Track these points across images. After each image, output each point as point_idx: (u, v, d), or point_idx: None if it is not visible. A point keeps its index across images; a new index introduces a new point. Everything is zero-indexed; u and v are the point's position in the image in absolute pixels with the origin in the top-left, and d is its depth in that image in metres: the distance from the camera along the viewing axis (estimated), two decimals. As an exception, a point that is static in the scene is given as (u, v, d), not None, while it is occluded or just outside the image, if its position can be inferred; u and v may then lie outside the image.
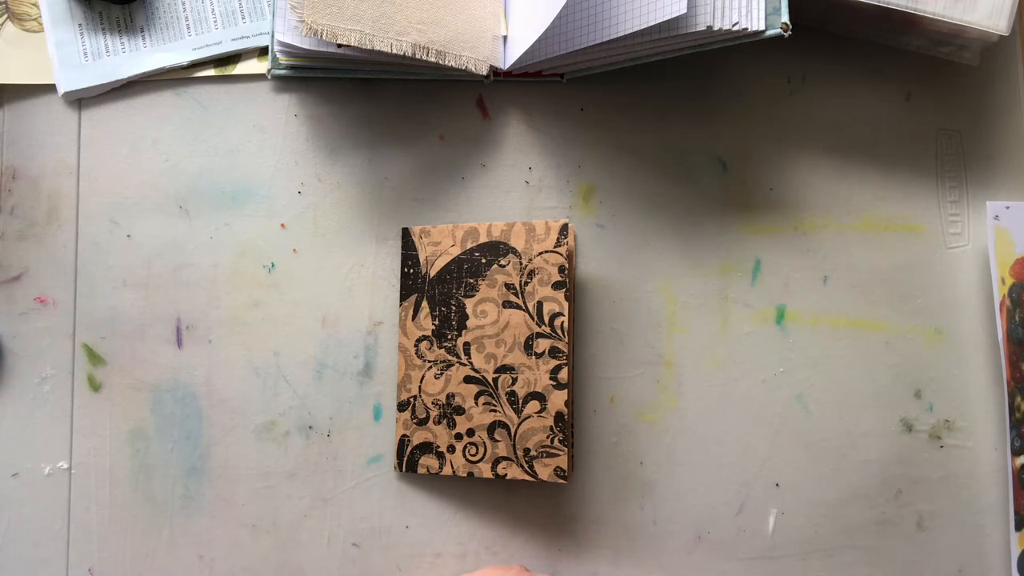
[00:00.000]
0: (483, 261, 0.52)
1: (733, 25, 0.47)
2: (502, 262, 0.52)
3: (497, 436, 0.51)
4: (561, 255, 0.51)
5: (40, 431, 0.55)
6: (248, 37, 0.56)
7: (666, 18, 0.46)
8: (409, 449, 0.53)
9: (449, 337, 0.53)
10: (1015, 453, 0.53)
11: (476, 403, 0.52)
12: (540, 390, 0.50)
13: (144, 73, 0.56)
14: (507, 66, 0.54)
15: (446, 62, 0.52)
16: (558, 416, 0.50)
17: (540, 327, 0.51)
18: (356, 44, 0.49)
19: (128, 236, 0.56)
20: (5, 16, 0.56)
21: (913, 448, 0.54)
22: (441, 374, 0.53)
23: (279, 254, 0.56)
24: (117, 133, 0.56)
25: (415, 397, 0.53)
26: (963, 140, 0.57)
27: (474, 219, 0.56)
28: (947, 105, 0.57)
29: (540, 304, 0.51)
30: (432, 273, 0.54)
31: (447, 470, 0.52)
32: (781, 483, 0.54)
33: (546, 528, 0.54)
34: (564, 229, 0.51)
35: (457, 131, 0.56)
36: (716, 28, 0.47)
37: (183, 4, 0.56)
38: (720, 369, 0.55)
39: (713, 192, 0.56)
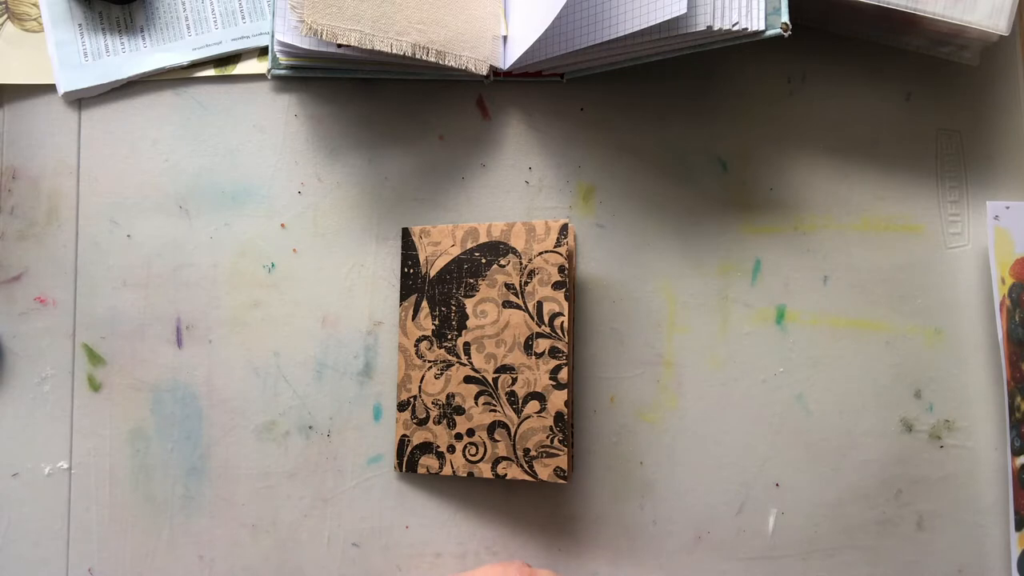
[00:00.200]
0: (483, 261, 0.52)
1: (733, 25, 0.47)
2: (502, 262, 0.52)
3: (497, 436, 0.51)
4: (561, 255, 0.51)
5: (40, 431, 0.55)
6: (248, 37, 0.56)
7: (666, 18, 0.46)
8: (409, 449, 0.53)
9: (449, 337, 0.53)
10: (1015, 453, 0.53)
11: (476, 403, 0.52)
12: (540, 390, 0.50)
13: (144, 73, 0.56)
14: (507, 66, 0.54)
15: (446, 62, 0.52)
16: (558, 416, 0.50)
17: (540, 327, 0.51)
18: (356, 44, 0.49)
19: (128, 236, 0.56)
20: (5, 16, 0.56)
21: (913, 448, 0.54)
22: (441, 374, 0.53)
23: (279, 254, 0.56)
24: (117, 133, 0.56)
25: (415, 397, 0.53)
26: (963, 140, 0.57)
27: (474, 219, 0.56)
28: (947, 105, 0.57)
29: (540, 304, 0.51)
30: (432, 273, 0.54)
31: (447, 470, 0.52)
32: (781, 483, 0.54)
33: (546, 528, 0.54)
34: (564, 229, 0.51)
35: (457, 131, 0.56)
36: (716, 28, 0.47)
37: (183, 4, 0.56)
38: (720, 369, 0.55)
39: (713, 192, 0.56)
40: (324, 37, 0.49)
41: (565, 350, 0.50)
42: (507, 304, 0.52)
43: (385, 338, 0.55)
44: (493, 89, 0.57)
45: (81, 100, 0.56)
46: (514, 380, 0.51)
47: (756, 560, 0.54)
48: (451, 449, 0.52)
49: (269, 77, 0.56)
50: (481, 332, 0.52)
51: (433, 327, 0.53)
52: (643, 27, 0.47)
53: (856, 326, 0.55)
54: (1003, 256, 0.54)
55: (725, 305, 0.55)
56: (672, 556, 0.54)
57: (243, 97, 0.56)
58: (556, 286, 0.51)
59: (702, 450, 0.55)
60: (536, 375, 0.51)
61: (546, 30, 0.49)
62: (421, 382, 0.53)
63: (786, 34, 0.48)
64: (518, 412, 0.51)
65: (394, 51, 0.50)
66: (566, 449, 0.50)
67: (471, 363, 0.52)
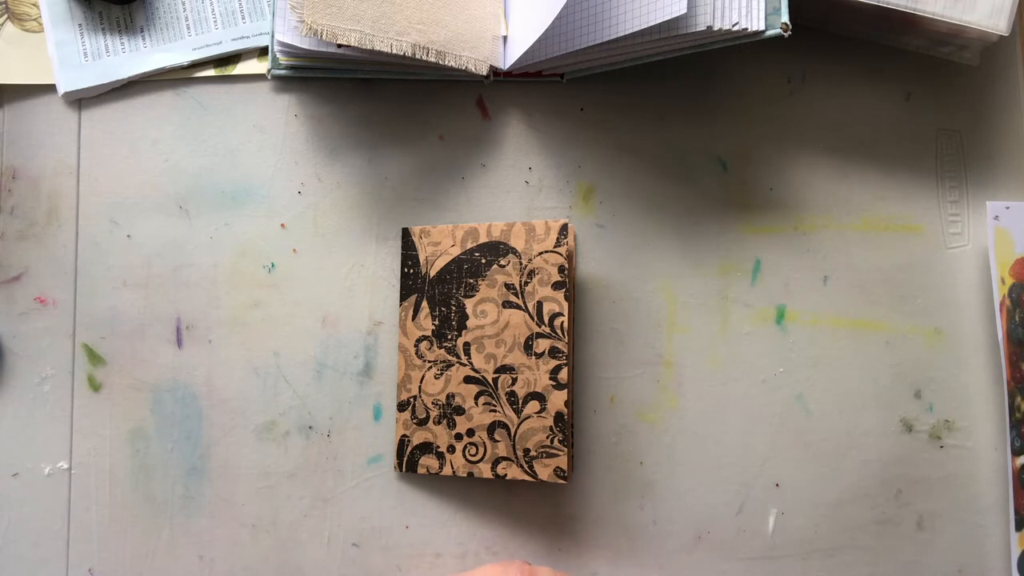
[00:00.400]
0: (483, 261, 0.52)
1: (733, 25, 0.47)
2: (502, 262, 0.52)
3: (497, 436, 0.51)
4: (561, 255, 0.51)
5: (40, 431, 0.55)
6: (248, 37, 0.56)
7: (666, 18, 0.46)
8: (409, 449, 0.53)
9: (449, 337, 0.53)
10: (1015, 453, 0.53)
11: (476, 403, 0.52)
12: (540, 390, 0.50)
13: (144, 73, 0.56)
14: (507, 66, 0.54)
15: (446, 62, 0.52)
16: (558, 416, 0.50)
17: (540, 327, 0.51)
18: (356, 44, 0.49)
19: (128, 236, 0.56)
20: (5, 16, 0.56)
21: (913, 448, 0.54)
22: (441, 374, 0.53)
23: (279, 254, 0.56)
24: (117, 133, 0.56)
25: (415, 397, 0.53)
26: (963, 140, 0.57)
27: (474, 219, 0.56)
28: (947, 105, 0.57)
29: (540, 304, 0.51)
30: (432, 273, 0.54)
31: (447, 470, 0.52)
32: (781, 483, 0.54)
33: (546, 528, 0.54)
34: (564, 229, 0.51)
35: (457, 131, 0.56)
36: (716, 28, 0.47)
37: (183, 4, 0.56)
38: (720, 369, 0.55)
39: (713, 192, 0.56)
40: (324, 37, 0.49)
41: (565, 350, 0.50)
42: (507, 304, 0.52)
43: (385, 338, 0.55)
44: (493, 89, 0.57)
45: (81, 100, 0.56)
46: (514, 380, 0.51)
47: (756, 560, 0.54)
48: (451, 449, 0.52)
49: (269, 77, 0.56)
50: (481, 332, 0.52)
51: (433, 327, 0.53)
52: (643, 27, 0.47)
53: (856, 326, 0.55)
54: (1003, 256, 0.54)
55: (725, 305, 0.55)
56: (672, 556, 0.54)
57: (243, 97, 0.56)
58: (556, 286, 0.51)
59: (702, 450, 0.55)
60: (536, 375, 0.51)
61: (546, 30, 0.49)
62: (421, 382, 0.53)
63: (786, 34, 0.48)
64: (518, 412, 0.51)
65: (394, 51, 0.50)
66: (566, 449, 0.50)
67: (471, 363, 0.52)
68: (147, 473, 0.54)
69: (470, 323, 0.52)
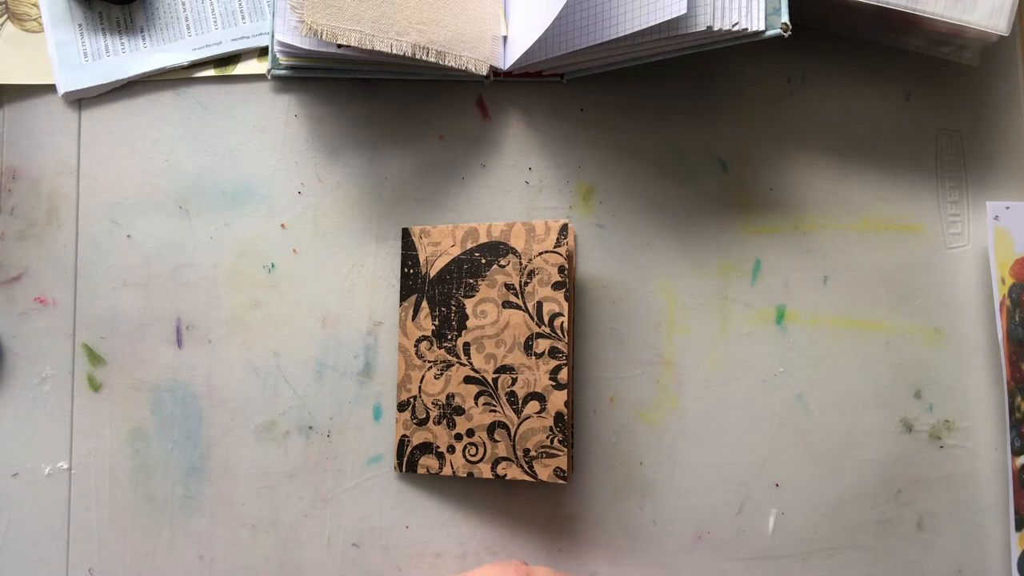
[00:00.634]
0: (483, 261, 0.52)
1: (733, 25, 0.47)
2: (502, 262, 0.52)
3: (497, 436, 0.51)
4: (561, 255, 0.51)
5: (40, 431, 0.55)
6: (248, 37, 0.56)
7: (666, 18, 0.46)
8: (409, 449, 0.53)
9: (449, 337, 0.53)
10: (1015, 453, 0.53)
11: (476, 403, 0.52)
12: (540, 390, 0.50)
13: (144, 73, 0.56)
14: (507, 66, 0.54)
15: (446, 62, 0.52)
16: (558, 416, 0.50)
17: (540, 327, 0.51)
18: (356, 44, 0.49)
19: (128, 236, 0.56)
20: (5, 16, 0.56)
21: (913, 448, 0.54)
22: (441, 374, 0.53)
23: (279, 254, 0.56)
24: (117, 133, 0.56)
25: (415, 397, 0.53)
26: (963, 140, 0.57)
27: (474, 219, 0.56)
28: (947, 105, 0.57)
29: (540, 304, 0.51)
30: (432, 273, 0.54)
31: (447, 470, 0.52)
32: (781, 483, 0.54)
33: (546, 528, 0.54)
34: (564, 229, 0.51)
35: (457, 131, 0.56)
36: (716, 28, 0.47)
37: (183, 4, 0.56)
38: (720, 369, 0.55)
39: (713, 192, 0.56)
40: (324, 37, 0.49)
41: (565, 350, 0.50)
42: (507, 304, 0.52)
43: (385, 338, 0.55)
44: (493, 89, 0.57)
45: (81, 100, 0.56)
46: (514, 380, 0.51)
47: (756, 560, 0.54)
48: (451, 449, 0.52)
49: (269, 77, 0.56)
50: (481, 332, 0.52)
51: (433, 327, 0.53)
52: (643, 27, 0.47)
53: (856, 326, 0.55)
54: (1003, 256, 0.54)
55: (725, 305, 0.55)
56: (672, 556, 0.54)
57: (243, 97, 0.56)
58: (556, 286, 0.51)
59: (702, 450, 0.55)
60: (536, 375, 0.51)
61: (546, 30, 0.49)
62: (421, 382, 0.53)
63: (786, 34, 0.48)
64: (518, 412, 0.51)
65: (394, 51, 0.50)
66: (566, 449, 0.50)
67: (471, 363, 0.52)
68: (147, 473, 0.54)
69: (470, 323, 0.52)
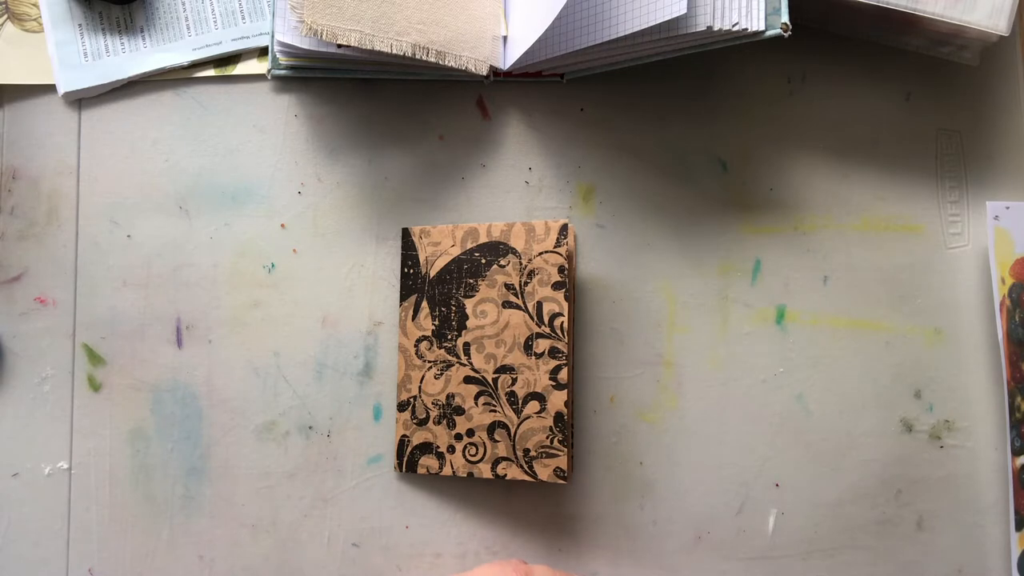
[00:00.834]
0: (483, 261, 0.52)
1: (733, 25, 0.47)
2: (502, 262, 0.52)
3: (497, 436, 0.51)
4: (561, 255, 0.51)
5: (40, 431, 0.55)
6: (248, 37, 0.56)
7: (666, 18, 0.46)
8: (409, 449, 0.53)
9: (449, 337, 0.53)
10: (1015, 453, 0.53)
11: (476, 403, 0.52)
12: (540, 390, 0.50)
13: (144, 73, 0.56)
14: (507, 66, 0.54)
15: (446, 62, 0.52)
16: (558, 416, 0.50)
17: (540, 327, 0.51)
18: (356, 44, 0.49)
19: (128, 236, 0.56)
20: (5, 16, 0.56)
21: (913, 448, 0.54)
22: (441, 374, 0.53)
23: (279, 254, 0.56)
24: (117, 133, 0.56)
25: (415, 397, 0.53)
26: (963, 140, 0.57)
27: (474, 219, 0.56)
28: (947, 105, 0.57)
29: (540, 304, 0.51)
30: (432, 273, 0.54)
31: (447, 470, 0.52)
32: (781, 483, 0.54)
33: (546, 528, 0.54)
34: (564, 229, 0.51)
35: (457, 131, 0.56)
36: (716, 28, 0.47)
37: (183, 4, 0.56)
38: (720, 369, 0.55)
39: (713, 192, 0.56)
40: (324, 37, 0.49)
41: (565, 350, 0.50)
42: (507, 304, 0.52)
43: (385, 338, 0.55)
44: (493, 89, 0.57)
45: (81, 100, 0.56)
46: (514, 380, 0.51)
47: (756, 560, 0.54)
48: (451, 449, 0.52)
49: (269, 77, 0.56)
50: (481, 332, 0.52)
51: (433, 327, 0.53)
52: (643, 27, 0.47)
53: (856, 326, 0.55)
54: (1003, 256, 0.54)
55: (725, 305, 0.55)
56: (672, 556, 0.54)
57: (243, 97, 0.56)
58: (556, 286, 0.51)
59: (702, 450, 0.55)
60: (536, 375, 0.51)
61: (546, 30, 0.49)
62: (421, 382, 0.53)
63: (786, 34, 0.48)
64: (518, 412, 0.51)
65: (394, 51, 0.50)
66: (566, 449, 0.50)
67: (471, 363, 0.52)
68: (147, 473, 0.54)
69: (470, 323, 0.52)
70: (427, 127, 0.57)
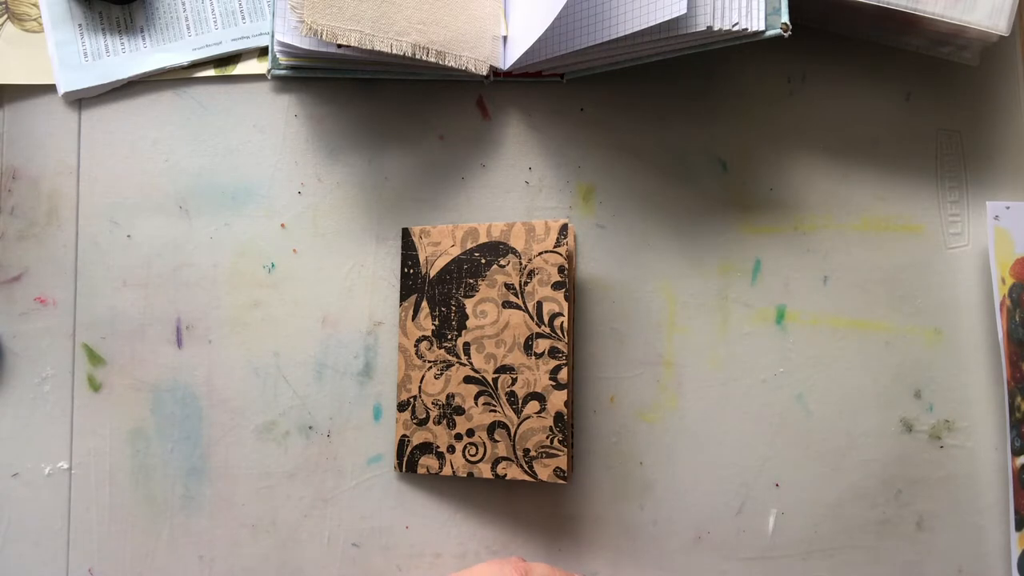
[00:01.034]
0: (483, 261, 0.52)
1: (733, 25, 0.47)
2: (502, 262, 0.52)
3: (497, 436, 0.51)
4: (561, 255, 0.51)
5: (40, 431, 0.55)
6: (248, 37, 0.56)
7: (666, 18, 0.46)
8: (409, 449, 0.53)
9: (449, 337, 0.53)
10: (1015, 453, 0.53)
11: (476, 403, 0.52)
12: (540, 390, 0.50)
13: (144, 73, 0.56)
14: (507, 66, 0.54)
15: (446, 62, 0.52)
16: (558, 416, 0.50)
17: (540, 327, 0.51)
18: (356, 44, 0.49)
19: (128, 236, 0.56)
20: (5, 16, 0.56)
21: (913, 448, 0.54)
22: (441, 374, 0.53)
23: (279, 254, 0.56)
24: (117, 133, 0.56)
25: (415, 397, 0.53)
26: (963, 140, 0.57)
27: (474, 219, 0.56)
28: (947, 105, 0.57)
29: (540, 304, 0.51)
30: (432, 273, 0.54)
31: (447, 470, 0.52)
32: (781, 483, 0.54)
33: (546, 528, 0.54)
34: (564, 229, 0.51)
35: (457, 131, 0.56)
36: (716, 28, 0.47)
37: (183, 4, 0.56)
38: (720, 369, 0.55)
39: (713, 192, 0.56)
40: (324, 37, 0.49)
41: (565, 350, 0.50)
42: (507, 304, 0.52)
43: (385, 338, 0.55)
44: (493, 89, 0.57)
45: (81, 100, 0.56)
46: (514, 380, 0.51)
47: (756, 560, 0.54)
48: (451, 449, 0.52)
49: (269, 77, 0.56)
50: (481, 332, 0.52)
51: (433, 327, 0.53)
52: (643, 27, 0.47)
53: (856, 326, 0.55)
54: (1003, 256, 0.54)
55: (725, 305, 0.55)
56: (672, 556, 0.54)
57: (243, 97, 0.56)
58: (556, 286, 0.51)
59: (702, 450, 0.55)
60: (536, 375, 0.51)
61: (546, 30, 0.49)
62: (421, 382, 0.53)
63: (786, 34, 0.48)
64: (518, 412, 0.51)
65: (394, 51, 0.50)
66: (566, 449, 0.50)
67: (471, 363, 0.52)
68: (147, 473, 0.54)
69: (470, 323, 0.52)
70: (427, 127, 0.57)
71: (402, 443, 0.54)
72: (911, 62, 0.56)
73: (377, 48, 0.50)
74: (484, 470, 0.52)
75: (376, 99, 0.57)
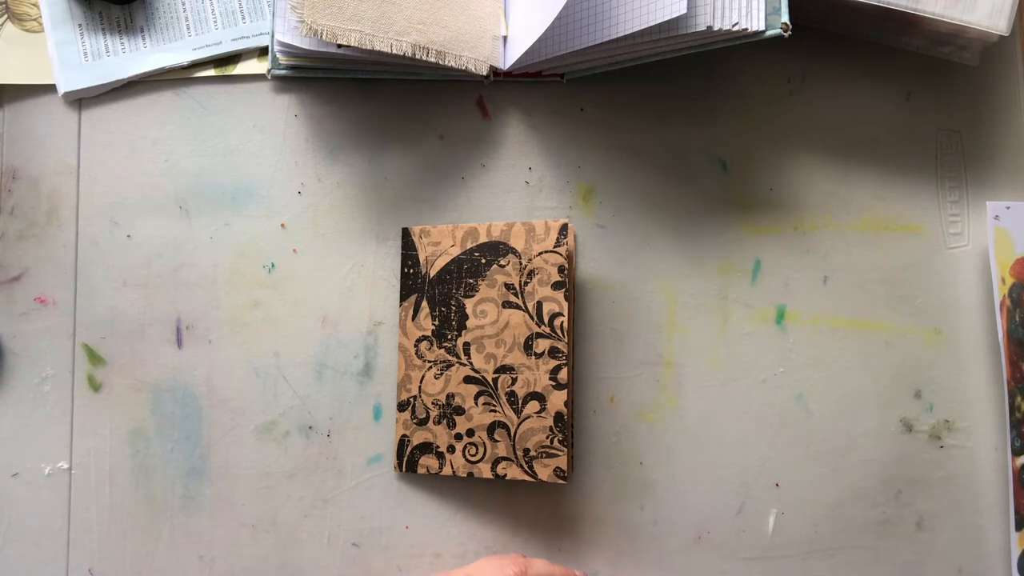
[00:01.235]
0: (483, 261, 0.52)
1: (733, 25, 0.47)
2: (502, 262, 0.52)
3: (497, 436, 0.51)
4: (561, 255, 0.51)
5: (40, 431, 0.55)
6: (248, 37, 0.56)
7: (666, 18, 0.46)
8: (409, 449, 0.53)
9: (449, 337, 0.53)
10: (1015, 453, 0.53)
11: (476, 403, 0.52)
12: (540, 390, 0.50)
13: (144, 73, 0.56)
14: (507, 66, 0.54)
15: (446, 62, 0.52)
16: (558, 416, 0.50)
17: (540, 327, 0.51)
18: (356, 44, 0.49)
19: (128, 236, 0.56)
20: (5, 16, 0.56)
21: (913, 448, 0.54)
22: (441, 374, 0.53)
23: (279, 254, 0.56)
24: (117, 133, 0.56)
25: (415, 397, 0.53)
26: (963, 140, 0.57)
27: (474, 219, 0.56)
28: (947, 105, 0.57)
29: (540, 304, 0.51)
30: (432, 273, 0.54)
31: (447, 470, 0.52)
32: (781, 483, 0.54)
33: (546, 528, 0.54)
34: (564, 229, 0.51)
35: (457, 131, 0.56)
36: (716, 28, 0.47)
37: (183, 4, 0.56)
38: (720, 369, 0.55)
39: (713, 192, 0.56)
40: (324, 37, 0.49)
41: (565, 350, 0.50)
42: (507, 304, 0.52)
43: (385, 338, 0.55)
44: (493, 89, 0.57)
45: (81, 100, 0.56)
46: (514, 380, 0.51)
47: (756, 560, 0.54)
48: (451, 449, 0.52)
49: (269, 77, 0.56)
50: (481, 332, 0.52)
51: (433, 327, 0.53)
52: (643, 27, 0.47)
53: (856, 326, 0.55)
54: (1003, 256, 0.54)
55: (725, 305, 0.55)
56: (672, 556, 0.54)
57: (243, 97, 0.56)
58: (556, 286, 0.51)
59: (702, 450, 0.55)
60: (536, 375, 0.51)
61: (546, 30, 0.49)
62: (421, 382, 0.53)
63: (786, 34, 0.48)
64: (518, 412, 0.51)
65: (394, 51, 0.50)
66: (566, 449, 0.50)
67: (471, 363, 0.52)
68: (147, 473, 0.54)
69: (470, 323, 0.52)
70: (427, 127, 0.57)
71: (402, 443, 0.54)
72: (911, 62, 0.56)
73: (377, 48, 0.50)
74: (484, 470, 0.52)
75: (376, 99, 0.57)
